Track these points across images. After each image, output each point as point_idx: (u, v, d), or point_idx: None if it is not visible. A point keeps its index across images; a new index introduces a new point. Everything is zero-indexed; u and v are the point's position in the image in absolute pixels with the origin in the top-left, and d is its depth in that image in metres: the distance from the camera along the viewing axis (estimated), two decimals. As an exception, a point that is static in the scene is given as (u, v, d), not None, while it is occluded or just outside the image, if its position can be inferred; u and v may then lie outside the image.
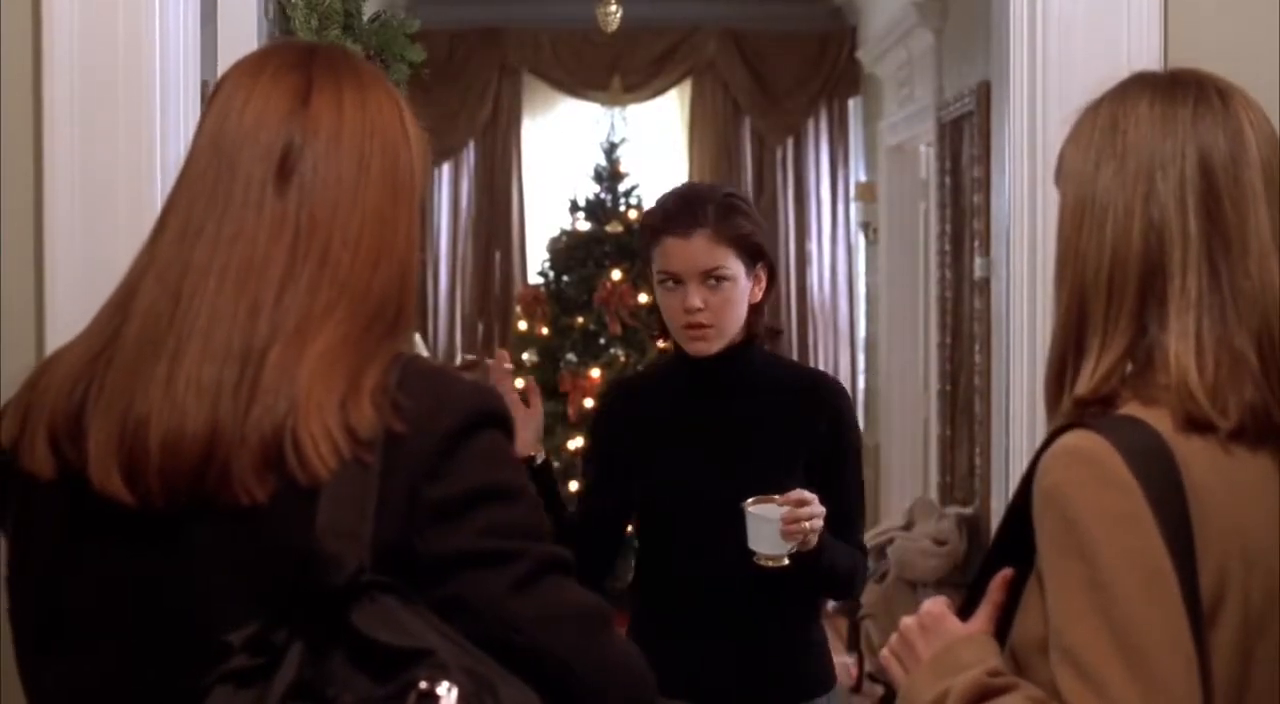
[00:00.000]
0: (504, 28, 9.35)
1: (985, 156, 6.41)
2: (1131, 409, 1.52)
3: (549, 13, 9.24)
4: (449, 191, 9.48)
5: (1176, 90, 1.58)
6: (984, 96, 6.43)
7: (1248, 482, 1.50)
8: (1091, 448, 1.47)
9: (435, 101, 9.14)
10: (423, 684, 1.32)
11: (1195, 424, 1.51)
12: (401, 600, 1.38)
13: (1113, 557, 1.44)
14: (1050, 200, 2.37)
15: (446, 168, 9.45)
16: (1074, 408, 1.55)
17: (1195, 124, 1.55)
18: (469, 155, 9.49)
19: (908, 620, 1.63)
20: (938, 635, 1.58)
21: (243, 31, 2.85)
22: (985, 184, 6.42)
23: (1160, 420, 1.51)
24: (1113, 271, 1.54)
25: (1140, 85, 1.61)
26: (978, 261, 6.51)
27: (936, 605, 1.62)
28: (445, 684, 1.32)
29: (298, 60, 1.52)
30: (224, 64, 2.64)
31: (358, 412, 1.41)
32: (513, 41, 9.38)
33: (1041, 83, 2.47)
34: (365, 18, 3.03)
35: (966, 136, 6.87)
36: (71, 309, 2.23)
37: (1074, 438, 1.51)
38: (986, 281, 6.40)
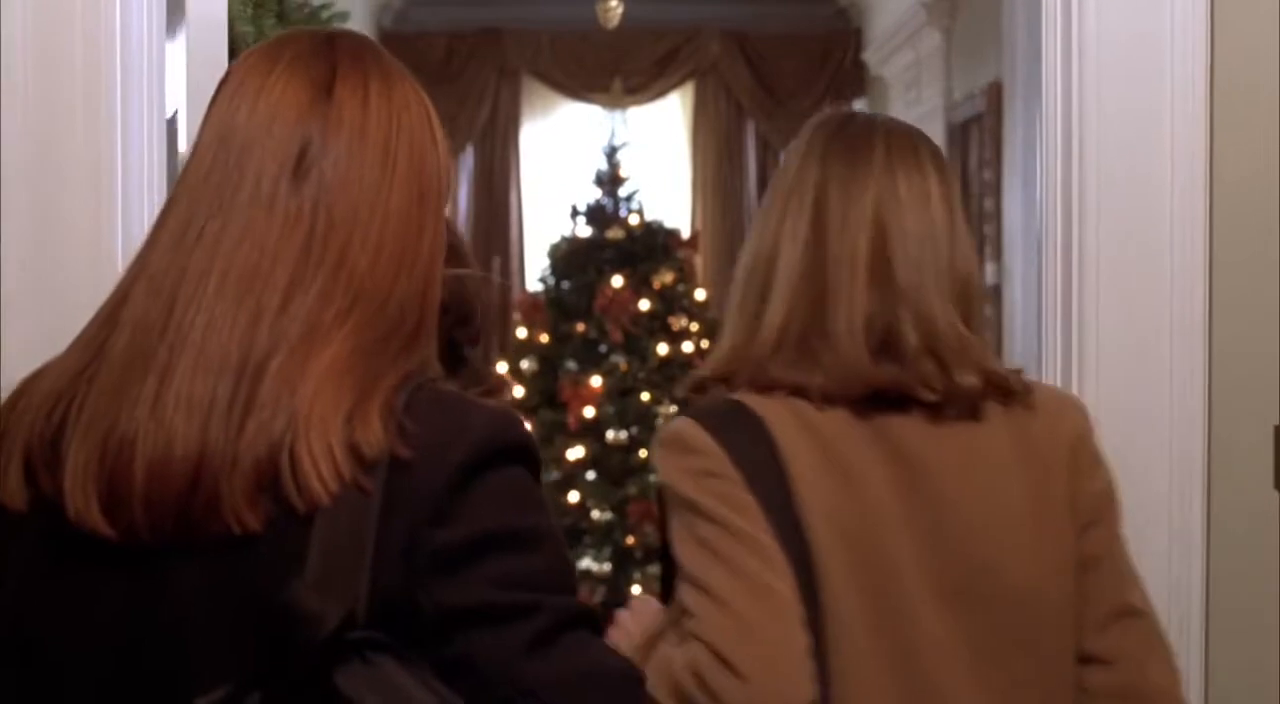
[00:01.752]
0: (503, 28, 9.26)
1: (996, 159, 6.25)
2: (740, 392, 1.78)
3: (549, 13, 9.16)
4: None
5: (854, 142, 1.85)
6: (995, 97, 6.27)
7: (835, 435, 1.73)
8: (677, 427, 1.75)
9: (432, 104, 9.04)
10: None
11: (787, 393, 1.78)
12: (398, 661, 1.23)
13: (705, 500, 1.69)
14: (1088, 198, 2.28)
15: None
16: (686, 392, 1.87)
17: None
18: (467, 159, 9.40)
19: (622, 611, 1.92)
20: (643, 615, 1.87)
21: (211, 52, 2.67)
22: (996, 187, 6.25)
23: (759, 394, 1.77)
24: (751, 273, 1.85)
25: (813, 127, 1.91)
26: (988, 267, 6.34)
27: (645, 597, 1.93)
28: None
29: (317, 48, 1.39)
30: (193, 82, 2.51)
31: (364, 428, 1.25)
32: (511, 43, 9.29)
33: (1078, 73, 2.30)
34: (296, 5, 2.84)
35: (976, 139, 6.72)
36: (23, 334, 2.11)
37: (664, 426, 1.83)
38: (998, 288, 6.24)
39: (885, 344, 1.74)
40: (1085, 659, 1.77)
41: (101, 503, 1.26)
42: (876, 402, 1.73)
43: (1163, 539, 2.31)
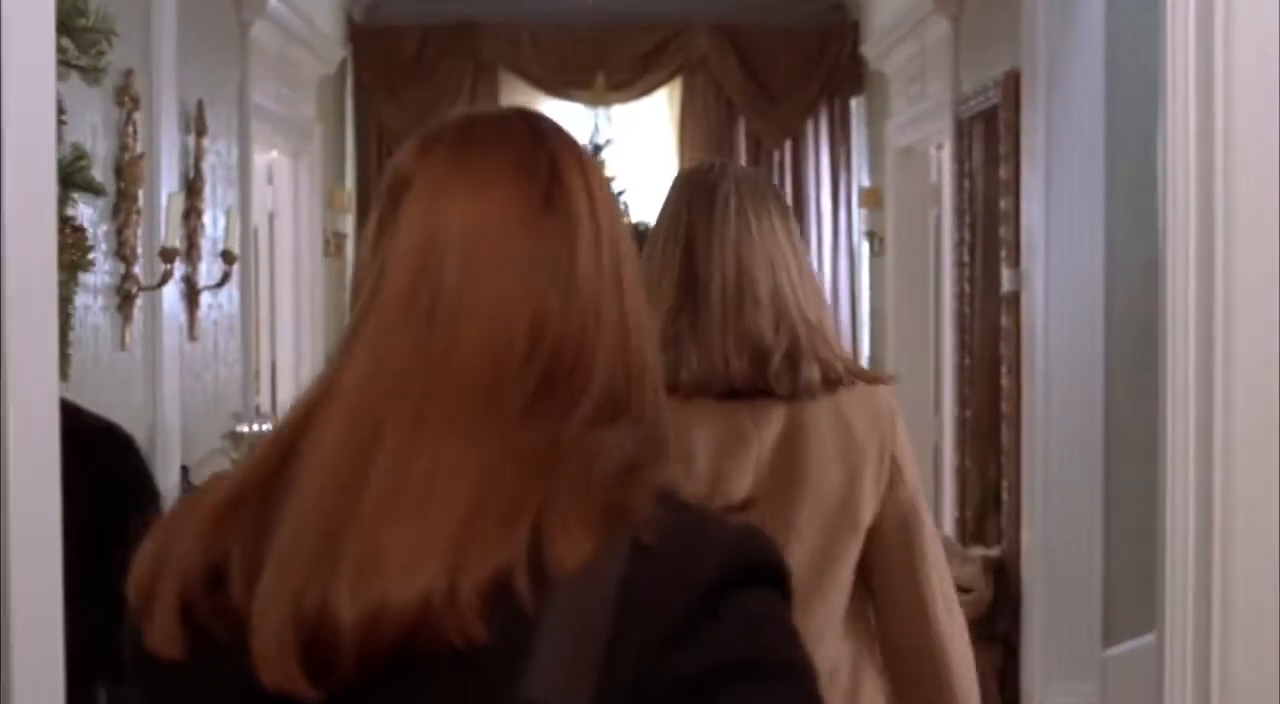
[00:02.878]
0: (479, 22, 8.89)
1: (1015, 155, 5.76)
2: None
3: (527, 5, 8.82)
4: None
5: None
6: (1012, 88, 5.79)
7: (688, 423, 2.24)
8: None
9: (405, 102, 8.80)
10: None
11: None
12: None
13: None
14: (1232, 184, 1.93)
15: None
16: None
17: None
18: (442, 160, 8.89)
19: None
20: None
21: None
22: (1015, 186, 5.76)
23: None
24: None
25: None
26: (1006, 273, 5.85)
27: None
28: None
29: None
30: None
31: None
32: (488, 37, 8.91)
33: (1223, 37, 1.87)
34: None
35: (988, 134, 6.24)
36: None
37: None
38: (1016, 296, 5.75)
39: (743, 349, 2.27)
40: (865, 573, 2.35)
41: (304, 668, 1.14)
42: (733, 395, 2.26)
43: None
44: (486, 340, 1.19)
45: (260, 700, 1.15)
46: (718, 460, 2.25)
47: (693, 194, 2.37)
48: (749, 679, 1.14)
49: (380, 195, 1.27)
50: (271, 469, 1.21)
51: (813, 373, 2.24)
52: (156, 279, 5.00)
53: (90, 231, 4.49)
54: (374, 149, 8.88)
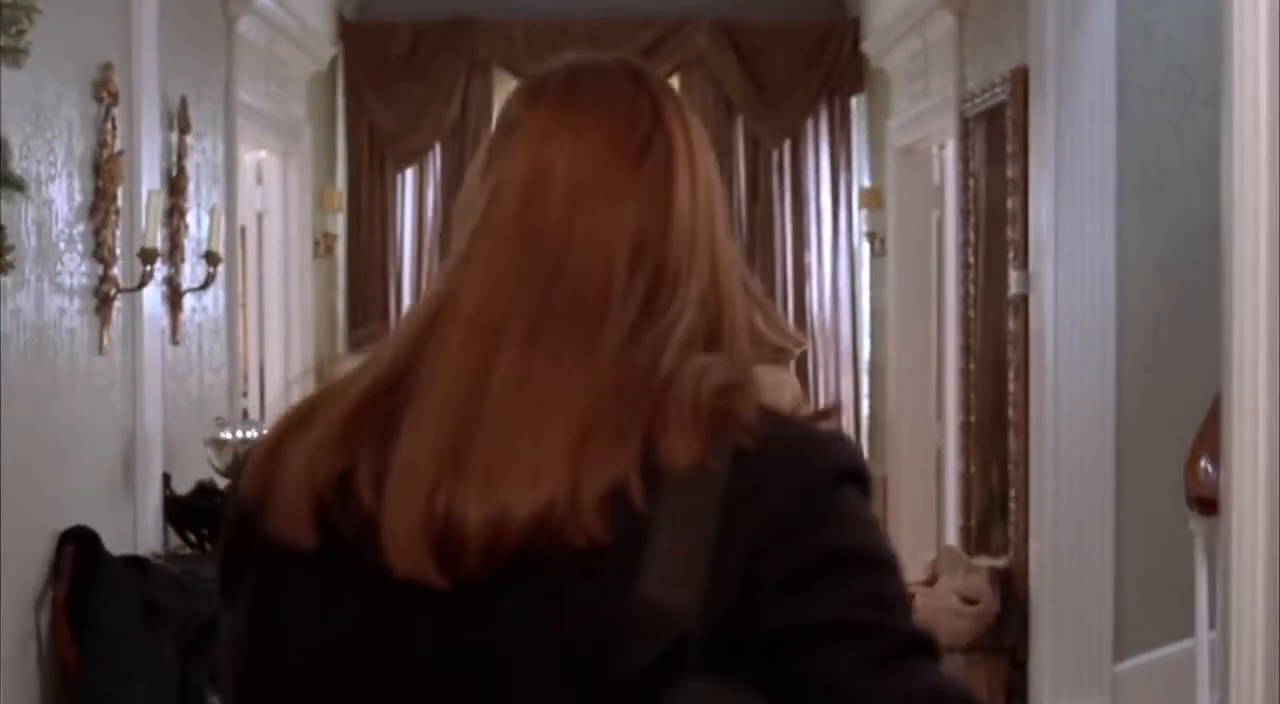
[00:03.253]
0: (473, 19, 8.72)
1: (1022, 153, 5.61)
2: None
3: (522, 2, 8.66)
4: (413, 199, 8.86)
5: None
6: (1020, 85, 5.64)
7: None
8: None
9: (397, 100, 8.69)
10: None
11: None
12: (722, 683, 1.21)
13: None
14: None
15: (410, 173, 8.84)
16: None
17: None
18: (435, 159, 8.84)
19: None
20: None
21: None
22: (1022, 185, 5.61)
23: None
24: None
25: None
26: (1013, 276, 5.69)
27: None
28: None
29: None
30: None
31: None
32: (483, 34, 8.73)
33: None
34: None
35: (994, 132, 6.09)
36: None
37: None
38: (1024, 299, 5.59)
39: None
40: None
41: (436, 562, 1.23)
42: None
43: None
44: (589, 267, 1.27)
45: (389, 589, 1.24)
46: None
47: None
48: (851, 568, 1.24)
49: (491, 136, 1.37)
50: (392, 381, 1.30)
51: None
52: (136, 281, 4.83)
53: (18, 229, 4.31)
54: (365, 148, 8.73)
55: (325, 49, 8.19)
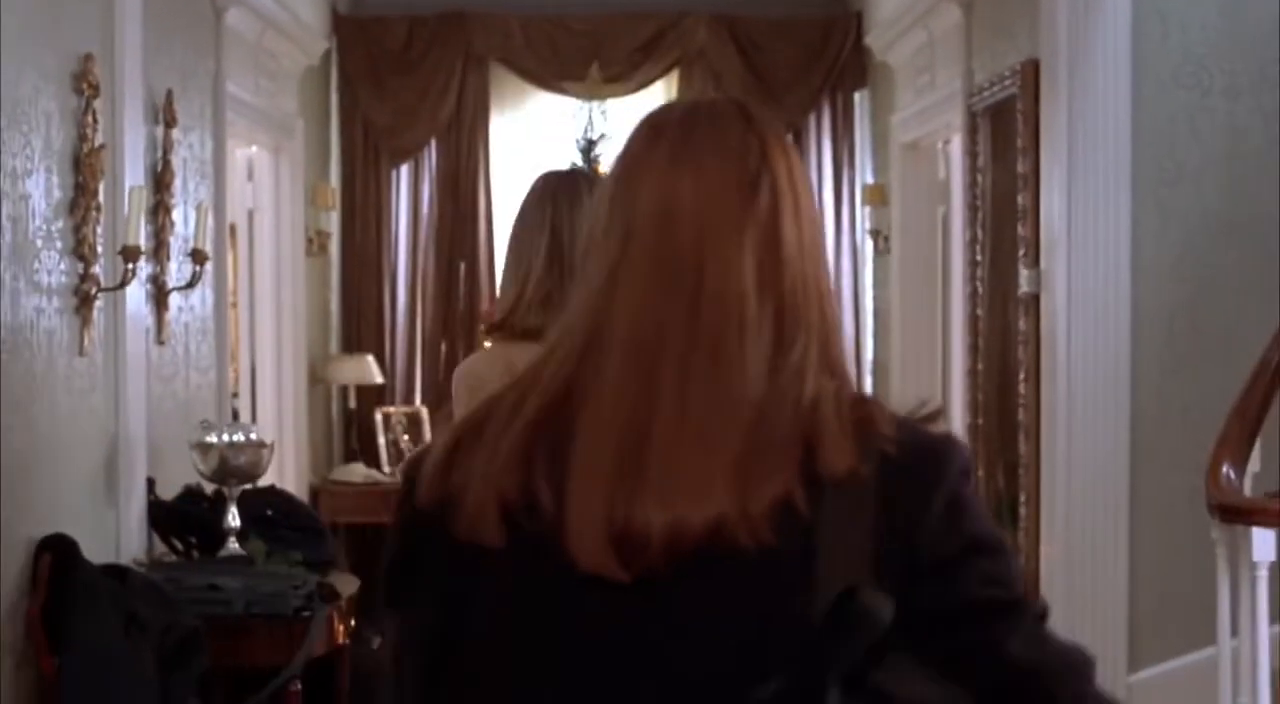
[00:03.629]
0: (468, 12, 8.61)
1: (1033, 148, 5.48)
2: None
3: (519, -5, 8.55)
4: (408, 196, 8.74)
5: None
6: (1030, 78, 5.50)
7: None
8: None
9: (391, 95, 8.61)
10: None
11: None
12: (905, 657, 1.39)
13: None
14: None
15: (405, 170, 8.72)
16: None
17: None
18: (430, 155, 8.72)
19: None
20: None
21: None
22: (1033, 181, 5.47)
23: None
24: None
25: None
26: (1024, 273, 5.55)
27: None
28: None
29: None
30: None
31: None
32: (478, 28, 8.62)
33: None
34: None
35: (1002, 127, 5.95)
36: None
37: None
38: (1035, 298, 5.45)
39: None
40: None
41: (618, 558, 1.41)
42: None
43: None
44: (725, 295, 1.43)
45: (573, 580, 1.42)
46: None
47: (557, 188, 3.26)
48: (984, 554, 1.45)
49: (614, 170, 1.52)
50: (557, 400, 1.46)
51: None
52: (118, 279, 4.68)
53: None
54: (359, 143, 8.60)
55: (318, 43, 8.05)
